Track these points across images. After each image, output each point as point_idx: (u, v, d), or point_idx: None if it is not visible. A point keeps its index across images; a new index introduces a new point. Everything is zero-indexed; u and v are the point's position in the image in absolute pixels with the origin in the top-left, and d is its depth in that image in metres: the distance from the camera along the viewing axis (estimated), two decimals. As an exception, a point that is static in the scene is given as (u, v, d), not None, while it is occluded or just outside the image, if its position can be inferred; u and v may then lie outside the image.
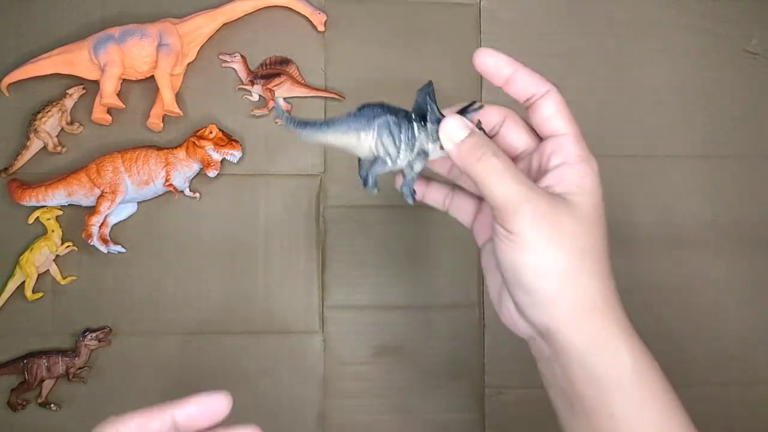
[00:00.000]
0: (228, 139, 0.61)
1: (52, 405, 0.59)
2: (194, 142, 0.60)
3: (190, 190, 0.62)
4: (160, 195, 0.62)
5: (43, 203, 0.60)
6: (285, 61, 0.64)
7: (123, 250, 0.61)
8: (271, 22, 0.65)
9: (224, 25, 0.64)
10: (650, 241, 0.64)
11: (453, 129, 0.36)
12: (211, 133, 0.61)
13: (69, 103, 0.62)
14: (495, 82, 0.38)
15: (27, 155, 0.62)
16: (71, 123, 0.62)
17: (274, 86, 0.62)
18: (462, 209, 0.43)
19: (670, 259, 0.64)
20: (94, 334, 0.59)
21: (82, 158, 0.62)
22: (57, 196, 0.60)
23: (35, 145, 0.62)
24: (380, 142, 0.37)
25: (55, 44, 0.63)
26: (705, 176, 0.65)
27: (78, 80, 0.63)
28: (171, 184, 0.60)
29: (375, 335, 0.62)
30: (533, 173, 0.38)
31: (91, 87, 0.62)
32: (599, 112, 0.65)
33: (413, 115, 0.38)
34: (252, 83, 0.63)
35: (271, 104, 0.63)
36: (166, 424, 0.34)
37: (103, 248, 0.60)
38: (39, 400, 0.59)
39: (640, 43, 0.67)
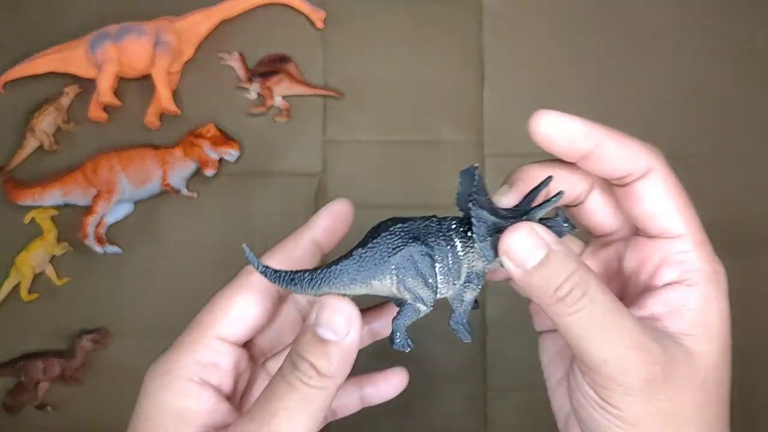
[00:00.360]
0: (225, 137, 0.60)
1: (49, 407, 0.58)
2: (191, 141, 0.60)
3: (188, 190, 0.61)
4: (156, 195, 0.61)
5: (39, 203, 0.60)
6: (283, 59, 0.63)
7: (119, 250, 0.60)
8: (270, 19, 0.64)
9: (222, 22, 0.64)
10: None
11: (521, 250, 0.24)
12: (208, 131, 0.60)
13: (66, 101, 0.62)
14: (566, 158, 0.26)
15: (23, 154, 0.61)
16: (68, 121, 0.62)
17: (273, 84, 0.62)
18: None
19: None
20: (90, 336, 0.58)
21: (78, 157, 0.61)
22: (53, 196, 0.60)
23: (32, 144, 0.61)
24: (403, 286, 0.26)
25: (52, 43, 0.62)
26: (709, 176, 0.64)
27: (74, 79, 0.62)
28: (168, 184, 0.60)
29: (374, 337, 0.61)
30: (626, 278, 0.28)
31: (88, 86, 0.62)
32: (602, 111, 0.64)
33: (452, 224, 0.27)
34: (250, 81, 0.62)
35: (269, 102, 0.62)
36: (307, 248, 0.32)
37: (99, 249, 0.59)
38: (35, 402, 0.58)
39: (644, 40, 0.66)
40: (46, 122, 0.61)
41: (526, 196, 0.27)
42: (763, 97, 0.65)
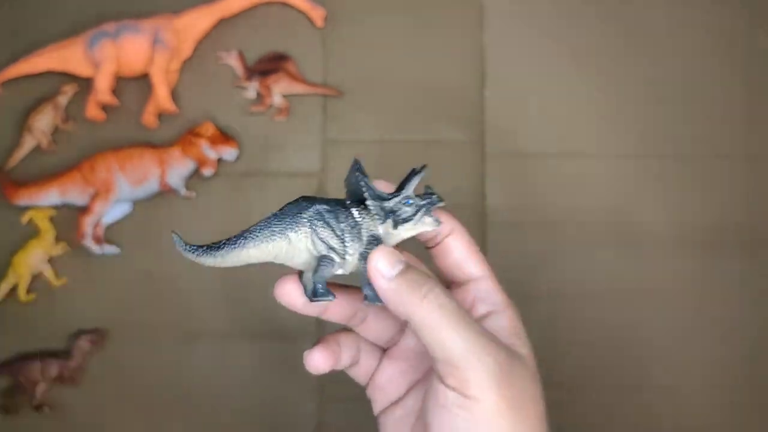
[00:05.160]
0: (224, 136, 0.60)
1: (46, 408, 0.58)
2: (190, 140, 0.59)
3: (186, 190, 0.61)
4: (155, 194, 0.60)
5: (36, 203, 0.59)
6: (282, 57, 0.63)
7: (117, 250, 0.60)
8: (269, 17, 0.64)
9: (221, 20, 0.63)
10: (657, 241, 0.62)
11: (385, 265, 0.30)
12: (207, 130, 0.60)
13: (63, 100, 0.62)
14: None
15: (21, 153, 0.61)
16: (66, 120, 0.61)
17: (272, 83, 0.61)
18: (360, 368, 0.37)
19: (675, 259, 0.62)
20: (87, 336, 0.58)
21: (76, 157, 0.61)
22: (50, 196, 0.59)
23: (29, 143, 0.61)
24: (317, 237, 0.31)
25: (50, 41, 0.62)
26: (710, 176, 0.64)
27: (72, 78, 0.62)
28: (166, 183, 0.59)
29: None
30: None
31: (86, 84, 0.61)
32: (603, 110, 0.64)
33: (347, 201, 0.32)
34: (249, 79, 0.62)
35: (268, 101, 0.62)
36: None
37: (96, 249, 0.59)
38: (33, 403, 0.58)
39: (646, 40, 0.65)
40: (43, 121, 0.60)
41: (401, 184, 0.33)
42: (765, 97, 0.65)
